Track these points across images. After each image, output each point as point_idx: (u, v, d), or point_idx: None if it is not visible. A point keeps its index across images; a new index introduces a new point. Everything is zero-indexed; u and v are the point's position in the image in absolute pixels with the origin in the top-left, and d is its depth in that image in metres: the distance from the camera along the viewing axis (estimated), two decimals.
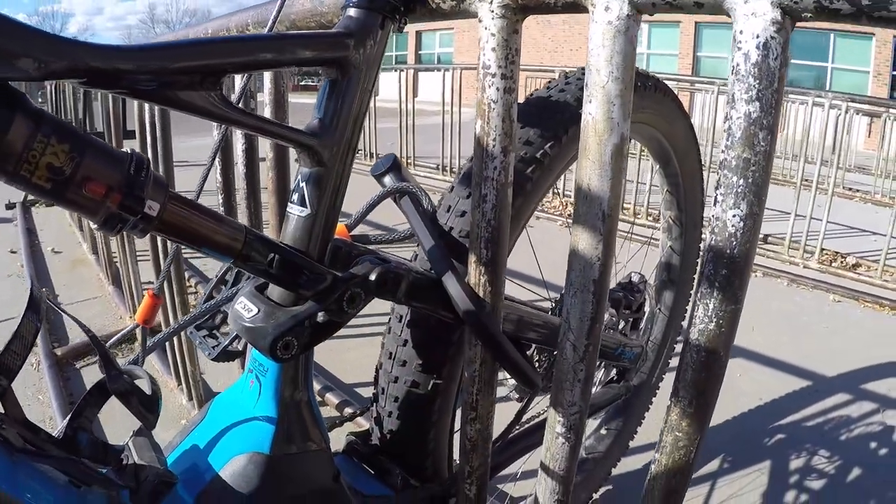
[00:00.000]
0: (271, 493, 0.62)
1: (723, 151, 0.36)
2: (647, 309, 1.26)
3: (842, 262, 3.46)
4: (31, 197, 4.13)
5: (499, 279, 0.53)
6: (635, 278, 1.19)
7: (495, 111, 0.49)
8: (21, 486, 0.43)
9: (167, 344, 1.69)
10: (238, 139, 1.14)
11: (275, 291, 0.61)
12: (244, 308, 0.60)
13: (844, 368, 2.23)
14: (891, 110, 5.36)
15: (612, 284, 1.20)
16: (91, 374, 1.94)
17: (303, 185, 0.60)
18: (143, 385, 0.55)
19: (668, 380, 1.06)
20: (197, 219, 0.51)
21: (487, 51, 0.50)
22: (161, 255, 1.62)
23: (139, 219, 0.45)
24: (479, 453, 0.63)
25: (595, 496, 1.35)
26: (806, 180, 3.69)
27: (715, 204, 0.37)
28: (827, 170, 3.63)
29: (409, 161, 5.51)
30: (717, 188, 0.37)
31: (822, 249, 3.46)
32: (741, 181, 0.36)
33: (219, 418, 0.67)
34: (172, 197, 0.48)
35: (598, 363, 1.02)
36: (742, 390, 2.01)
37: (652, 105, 0.93)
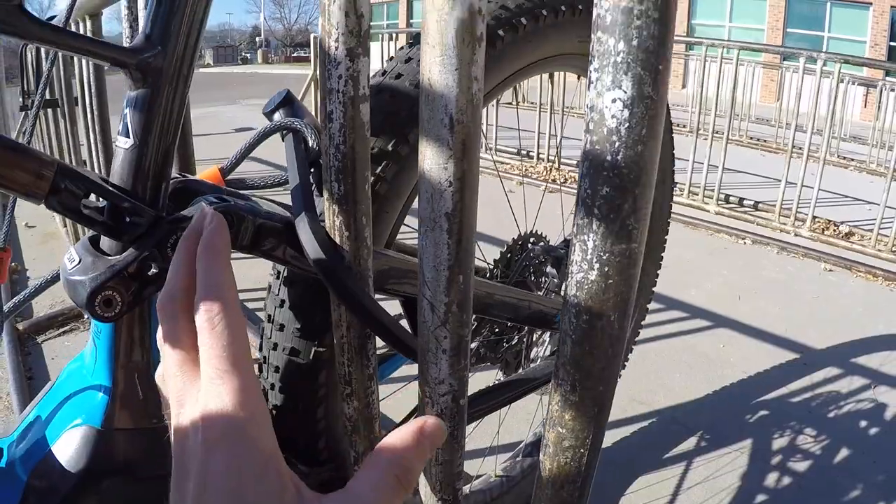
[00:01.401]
0: (105, 472, 0.52)
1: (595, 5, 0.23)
2: None
3: (834, 230, 3.30)
4: None
5: (358, 221, 0.40)
6: None
7: (336, 2, 0.36)
8: None
9: None
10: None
11: (105, 241, 0.49)
12: (69, 259, 0.48)
13: (835, 341, 2.09)
14: (888, 78, 5.18)
15: (559, 240, 1.07)
16: (52, 347, 1.84)
17: (126, 111, 0.47)
18: None
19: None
20: None
21: None
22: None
23: None
24: (363, 435, 0.50)
25: None
26: (799, 148, 3.54)
27: (589, 86, 0.24)
28: (820, 138, 3.48)
29: None
30: (590, 62, 0.24)
31: (815, 217, 3.31)
32: (621, 44, 0.22)
33: (63, 387, 0.57)
34: None
35: (538, 332, 0.89)
36: (726, 362, 1.89)
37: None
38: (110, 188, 0.46)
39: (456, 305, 0.34)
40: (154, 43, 0.45)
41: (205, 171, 0.56)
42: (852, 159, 5.43)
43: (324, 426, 0.60)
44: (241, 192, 0.56)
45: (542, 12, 0.65)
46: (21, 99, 2.62)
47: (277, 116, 0.60)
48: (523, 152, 4.64)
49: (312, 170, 0.52)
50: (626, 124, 0.23)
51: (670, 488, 1.30)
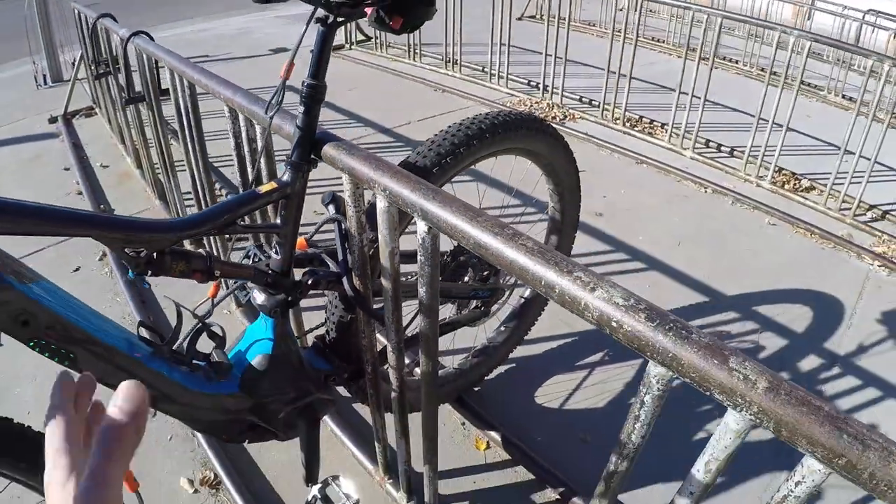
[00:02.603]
0: (273, 371, 1.27)
1: None
2: None
3: (796, 184, 3.74)
4: (71, 108, 4.67)
5: (364, 274, 1.13)
6: None
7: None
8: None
9: None
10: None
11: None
12: (258, 293, 1.22)
13: (746, 290, 2.66)
14: None
15: None
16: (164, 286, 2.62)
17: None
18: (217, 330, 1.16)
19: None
20: None
21: None
22: (195, 162, 2.17)
23: None
24: (371, 353, 1.26)
25: (491, 375, 2.03)
26: (775, 73, 3.71)
27: None
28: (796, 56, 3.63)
29: (416, 52, 5.77)
30: None
31: (781, 169, 3.75)
32: None
33: (251, 335, 1.29)
34: None
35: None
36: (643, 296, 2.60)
37: (547, 143, 1.51)
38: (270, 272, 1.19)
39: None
40: (291, 182, 1.18)
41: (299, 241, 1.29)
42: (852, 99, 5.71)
43: (353, 347, 1.37)
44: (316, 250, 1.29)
45: (461, 150, 1.34)
46: (95, 68, 3.29)
47: (330, 208, 1.30)
48: (533, 83, 5.11)
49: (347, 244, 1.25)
50: None
51: (572, 386, 2.08)
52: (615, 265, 2.82)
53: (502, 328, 1.99)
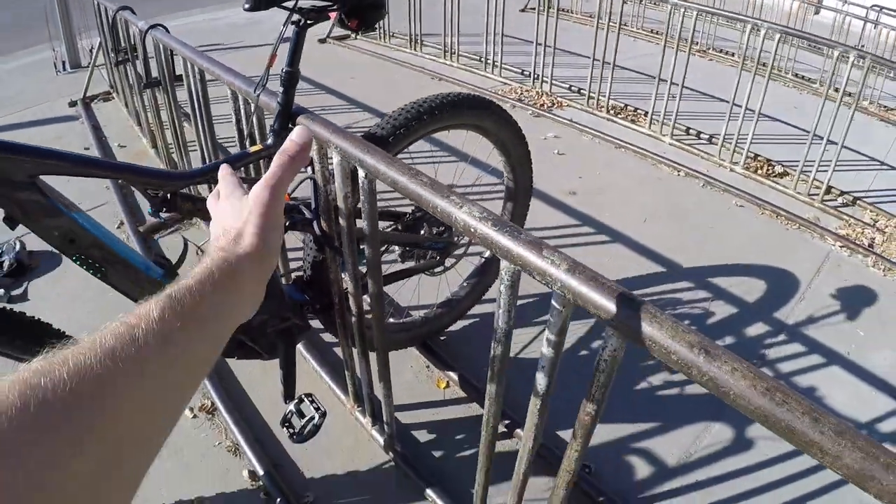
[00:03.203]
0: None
1: None
2: None
3: (769, 169, 3.98)
4: (90, 93, 5.06)
5: (332, 221, 1.47)
6: None
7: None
8: None
9: None
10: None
11: None
12: None
13: (705, 263, 2.91)
14: None
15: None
16: (165, 241, 2.98)
17: None
18: None
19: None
20: None
21: None
22: (204, 140, 2.51)
23: None
24: (337, 286, 1.60)
25: (454, 326, 2.36)
26: (763, 65, 3.83)
27: None
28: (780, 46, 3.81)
29: (417, 41, 6.07)
30: None
31: (757, 156, 4.00)
32: None
33: None
34: None
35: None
36: (604, 268, 2.82)
37: (494, 121, 1.85)
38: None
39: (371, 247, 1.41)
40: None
41: None
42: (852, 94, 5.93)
43: (326, 282, 1.70)
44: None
45: (413, 123, 1.67)
46: (115, 55, 3.64)
47: (309, 170, 1.64)
48: (525, 73, 5.38)
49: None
50: None
51: (526, 340, 2.41)
52: (580, 237, 3.12)
53: (465, 284, 2.32)
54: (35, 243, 2.83)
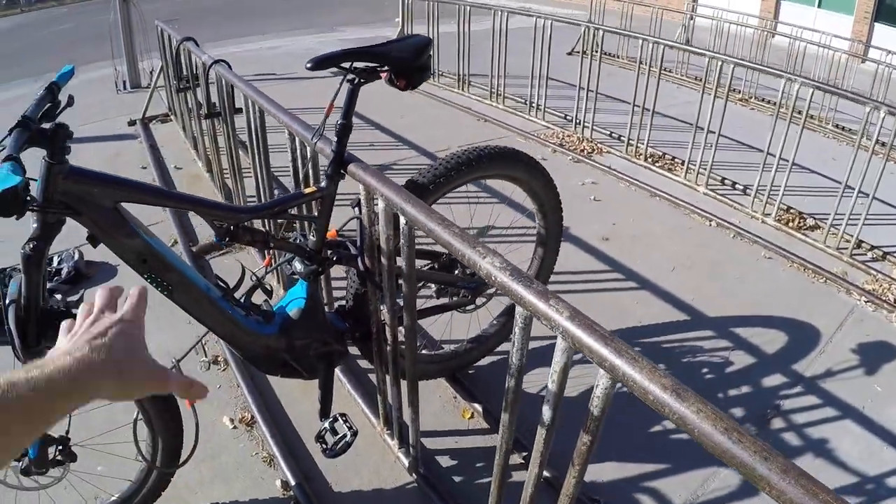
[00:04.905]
0: (304, 321, 1.81)
1: None
2: None
3: (801, 222, 4.07)
4: (149, 114, 5.43)
5: (378, 262, 1.69)
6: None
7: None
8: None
9: None
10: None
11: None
12: (298, 263, 1.78)
13: (729, 313, 3.02)
14: None
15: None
16: (216, 264, 3.24)
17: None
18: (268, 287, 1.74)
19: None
20: None
21: None
22: (259, 171, 2.77)
23: None
24: (376, 316, 1.80)
25: (482, 361, 2.54)
26: (798, 113, 3.98)
27: None
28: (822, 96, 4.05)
29: (465, 82, 6.40)
30: None
31: (789, 208, 4.10)
32: None
33: (291, 295, 1.85)
34: None
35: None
36: (632, 312, 2.96)
37: (526, 171, 2.05)
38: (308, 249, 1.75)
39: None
40: (328, 185, 1.76)
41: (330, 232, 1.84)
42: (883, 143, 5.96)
43: (365, 314, 1.91)
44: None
45: (452, 173, 1.88)
46: (177, 82, 3.96)
47: (356, 210, 1.86)
48: (568, 117, 5.61)
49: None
50: None
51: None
52: (610, 282, 3.28)
53: (494, 322, 2.51)
54: (92, 254, 3.09)
